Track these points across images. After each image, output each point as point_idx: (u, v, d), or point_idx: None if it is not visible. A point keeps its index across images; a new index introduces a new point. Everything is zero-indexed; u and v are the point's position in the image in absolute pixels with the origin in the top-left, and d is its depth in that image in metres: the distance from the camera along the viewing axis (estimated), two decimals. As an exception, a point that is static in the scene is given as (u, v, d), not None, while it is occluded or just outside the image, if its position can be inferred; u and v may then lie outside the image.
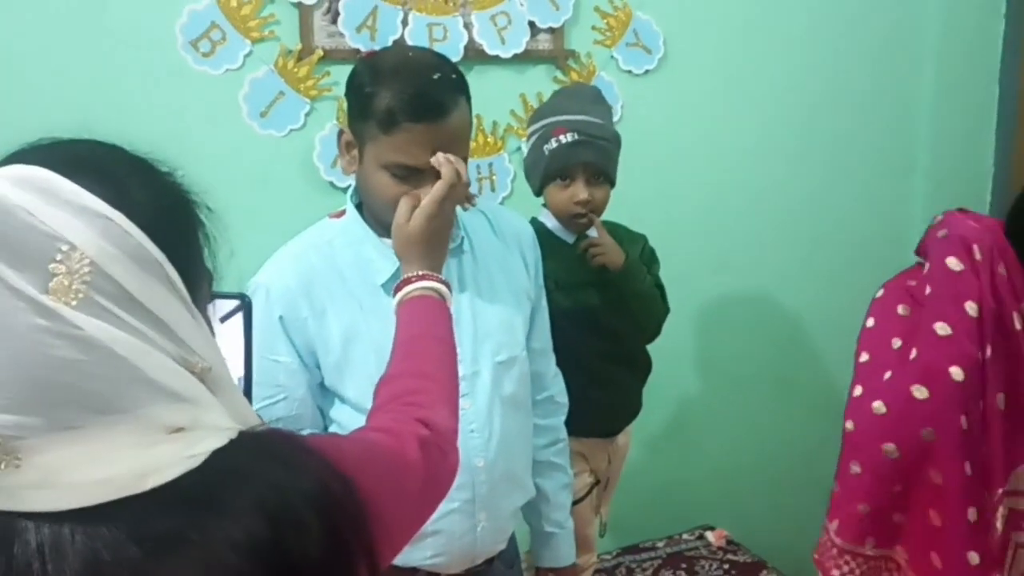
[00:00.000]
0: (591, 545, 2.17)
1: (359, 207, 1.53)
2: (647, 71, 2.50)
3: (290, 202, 2.22)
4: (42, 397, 0.53)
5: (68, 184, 0.58)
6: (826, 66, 2.76)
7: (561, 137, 1.86)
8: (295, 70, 2.15)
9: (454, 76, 1.39)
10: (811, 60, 2.73)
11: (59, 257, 0.54)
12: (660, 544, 2.75)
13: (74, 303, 0.54)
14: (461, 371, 1.31)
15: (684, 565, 2.68)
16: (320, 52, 2.16)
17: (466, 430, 1.44)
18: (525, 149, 2.02)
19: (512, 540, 1.71)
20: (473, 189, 2.34)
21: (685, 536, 2.84)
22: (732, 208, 2.70)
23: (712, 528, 2.86)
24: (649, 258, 2.06)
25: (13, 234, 0.54)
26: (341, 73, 2.19)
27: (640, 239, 2.04)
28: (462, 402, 1.32)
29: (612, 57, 2.46)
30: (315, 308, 1.44)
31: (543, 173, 1.89)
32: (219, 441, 0.59)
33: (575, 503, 2.04)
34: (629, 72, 2.48)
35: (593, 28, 2.43)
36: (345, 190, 2.20)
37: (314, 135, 2.20)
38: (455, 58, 2.25)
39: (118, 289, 0.56)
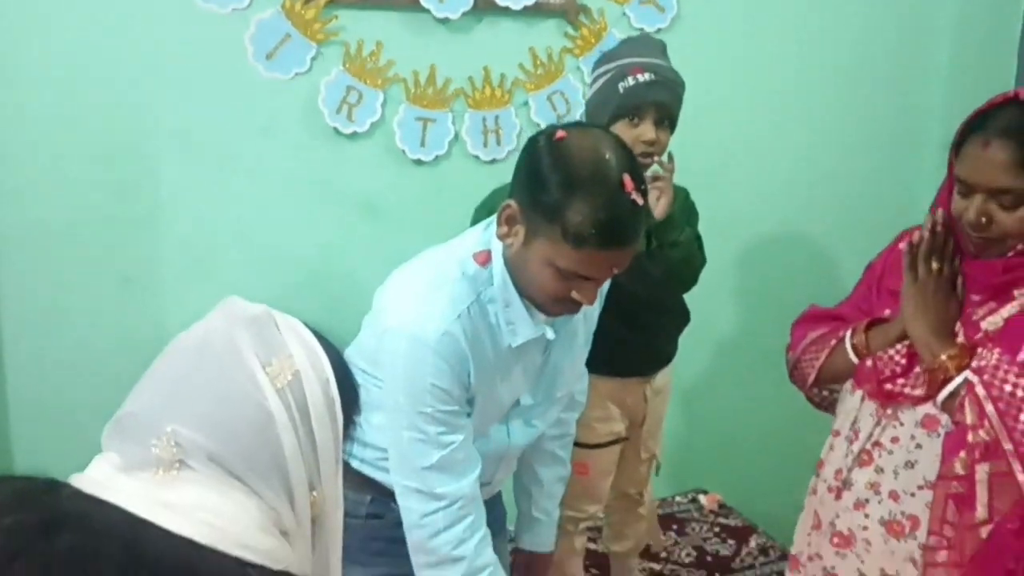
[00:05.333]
0: (602, 497, 2.19)
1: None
2: (659, 29, 2.45)
3: (293, 147, 2.21)
4: (229, 437, 0.65)
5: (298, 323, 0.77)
6: (840, 33, 2.71)
7: (638, 76, 1.87)
8: (302, 12, 2.12)
9: (643, 187, 1.34)
10: (826, 25, 2.69)
11: (280, 356, 0.71)
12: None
13: (278, 386, 0.68)
14: (528, 400, 1.54)
15: (675, 526, 2.70)
16: (328, -4, 2.13)
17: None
18: (589, 89, 2.00)
19: (501, 512, 1.75)
20: (477, 143, 2.32)
21: (678, 499, 2.86)
22: (741, 171, 2.67)
23: (705, 492, 2.88)
24: (690, 210, 2.08)
25: (268, 336, 0.72)
26: (348, 18, 2.17)
27: (681, 192, 2.04)
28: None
29: (624, 14, 2.42)
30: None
31: (614, 111, 1.88)
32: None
33: (595, 447, 2.09)
34: (641, 30, 2.43)
35: (606, -17, 2.38)
36: (350, 136, 2.22)
37: (319, 80, 2.18)
38: (465, 8, 2.22)
39: (301, 398, 0.70)
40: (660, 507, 2.72)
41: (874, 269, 1.64)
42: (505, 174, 2.01)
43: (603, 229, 1.28)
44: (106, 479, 0.63)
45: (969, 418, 1.31)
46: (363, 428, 1.51)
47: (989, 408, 1.29)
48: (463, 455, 1.43)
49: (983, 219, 1.34)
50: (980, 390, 1.31)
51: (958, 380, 1.34)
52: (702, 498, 2.85)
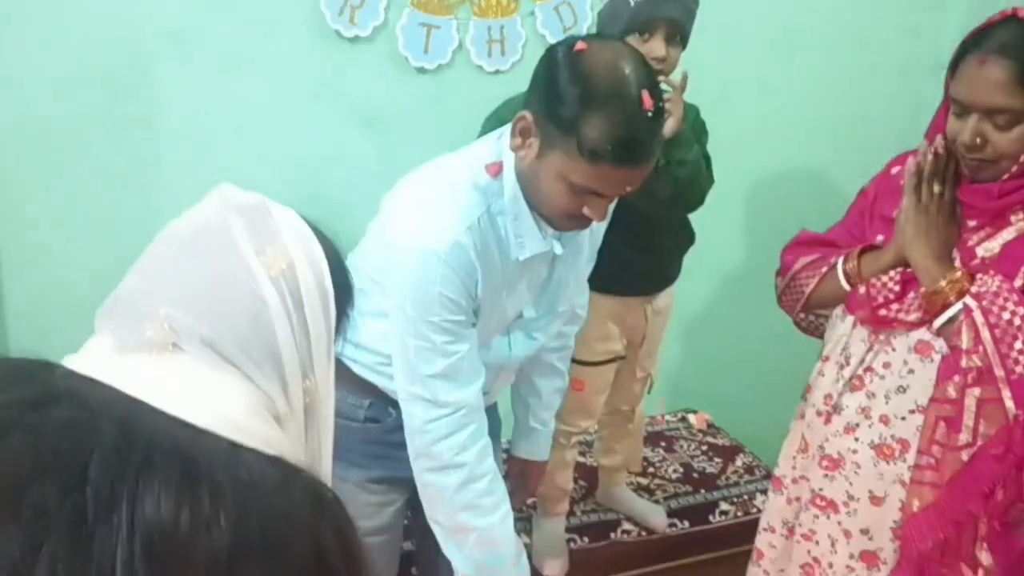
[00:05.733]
0: (595, 413, 2.22)
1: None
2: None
3: (294, 49, 2.17)
4: (223, 322, 0.65)
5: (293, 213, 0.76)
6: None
7: None
8: (305, -91, 2.06)
9: (661, 104, 1.31)
10: None
11: (275, 245, 0.70)
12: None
13: (272, 274, 0.68)
14: (531, 313, 1.55)
15: (664, 443, 2.74)
16: None
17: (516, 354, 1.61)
18: (600, 1, 1.96)
19: (497, 422, 1.77)
20: (481, 52, 2.27)
21: (668, 417, 2.90)
22: (740, 104, 2.63)
23: (695, 412, 2.91)
24: (700, 129, 2.04)
25: (262, 224, 0.71)
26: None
27: (692, 110, 2.00)
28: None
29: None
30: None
31: (624, 25, 1.84)
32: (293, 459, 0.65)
33: (592, 365, 2.11)
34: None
35: None
36: (352, 40, 2.17)
37: (321, -20, 2.12)
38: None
39: (295, 287, 0.69)
40: (650, 424, 2.76)
41: (867, 194, 1.63)
42: (509, 86, 1.99)
43: (619, 146, 1.26)
44: (100, 359, 0.63)
45: (964, 343, 1.32)
46: (364, 333, 1.51)
47: (985, 334, 1.30)
48: (468, 364, 1.44)
49: (977, 140, 1.32)
50: (978, 316, 1.31)
51: (957, 306, 1.34)
52: (691, 417, 2.89)
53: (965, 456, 1.33)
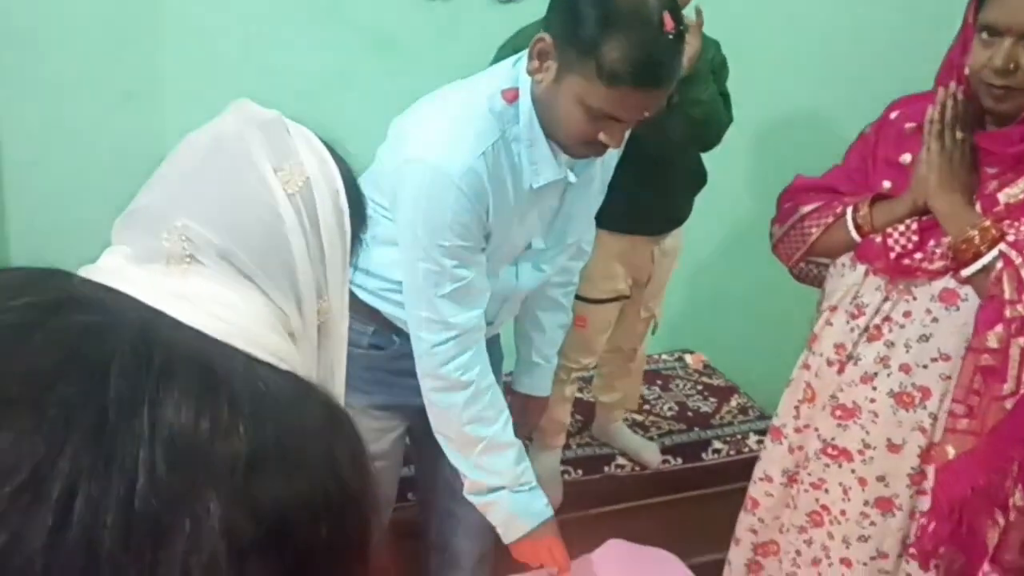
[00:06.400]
0: (597, 350, 2.23)
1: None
2: None
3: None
4: (240, 236, 0.65)
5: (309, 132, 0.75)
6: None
7: None
8: None
9: (683, 27, 1.30)
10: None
11: (291, 162, 0.69)
12: (639, 361, 2.82)
13: (289, 191, 0.67)
14: (539, 244, 1.56)
15: (660, 382, 2.77)
16: None
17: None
18: None
19: (499, 355, 1.78)
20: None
21: (664, 356, 2.92)
22: (753, 45, 2.58)
23: (691, 352, 2.93)
24: (719, 65, 1.99)
25: (279, 140, 0.70)
26: None
27: (712, 45, 1.94)
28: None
29: None
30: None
31: None
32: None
33: (596, 302, 2.10)
34: None
35: None
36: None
37: None
38: None
39: (311, 205, 0.69)
40: (646, 363, 2.76)
41: (867, 139, 1.61)
42: (523, 17, 1.95)
43: (639, 67, 1.25)
44: (116, 269, 0.62)
45: (1008, 293, 1.31)
46: (371, 259, 1.51)
47: None
48: (476, 289, 1.46)
49: (1011, 64, 1.30)
50: (1021, 264, 1.31)
51: (992, 254, 1.34)
52: (688, 357, 2.91)
53: (1009, 405, 1.34)
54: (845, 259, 1.60)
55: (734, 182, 2.78)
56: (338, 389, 0.77)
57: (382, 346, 1.59)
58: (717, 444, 2.50)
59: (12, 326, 0.50)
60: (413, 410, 1.57)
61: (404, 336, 1.52)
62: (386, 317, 1.56)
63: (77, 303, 0.55)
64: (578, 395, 2.44)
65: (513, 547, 1.58)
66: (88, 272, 0.62)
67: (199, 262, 0.63)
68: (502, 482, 1.53)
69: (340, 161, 0.76)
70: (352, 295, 1.53)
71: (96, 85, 2.09)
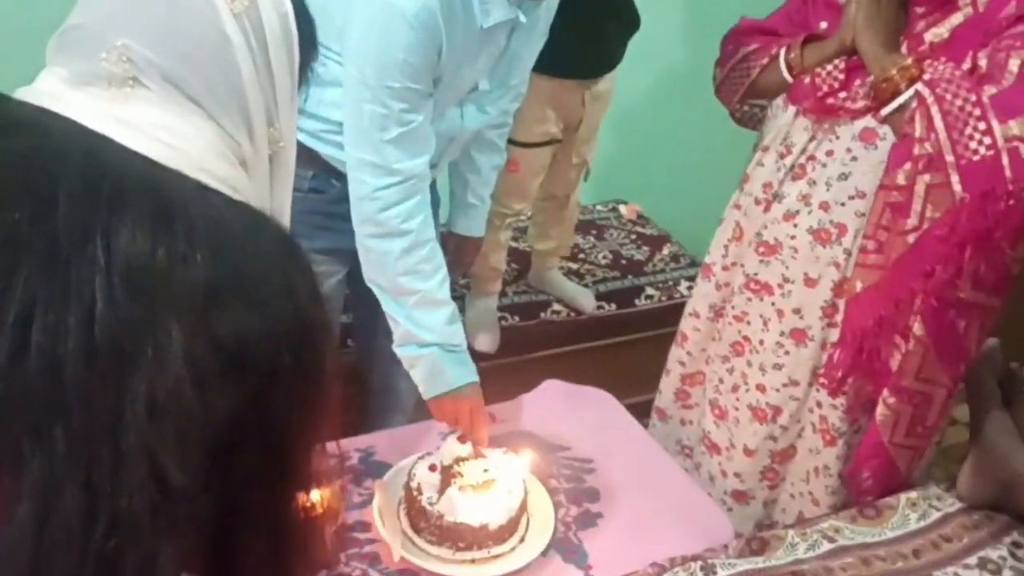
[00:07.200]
0: (529, 195, 2.26)
1: None
2: None
3: None
4: (184, 57, 0.61)
5: None
6: None
7: None
8: None
9: None
10: None
11: None
12: (574, 211, 2.86)
13: (235, 11, 0.63)
14: (485, 86, 1.55)
15: (594, 232, 2.82)
16: None
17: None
18: None
19: (436, 198, 1.77)
20: None
21: (599, 207, 2.96)
22: None
23: (625, 202, 2.98)
24: None
25: None
26: None
27: None
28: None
29: None
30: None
31: None
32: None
33: (528, 146, 2.12)
34: None
35: None
36: None
37: None
38: None
39: (259, 26, 0.65)
40: (581, 213, 2.81)
41: None
42: None
43: None
44: (54, 92, 0.59)
45: (917, 131, 1.34)
46: (312, 100, 1.49)
47: (938, 122, 1.33)
48: (421, 134, 1.44)
49: None
50: (931, 103, 1.33)
51: (908, 93, 1.36)
52: (622, 208, 2.96)
53: (911, 239, 1.39)
54: (779, 101, 1.63)
55: (668, 29, 2.77)
56: (287, 220, 0.75)
57: (322, 190, 1.58)
58: (650, 291, 2.58)
59: None
60: (352, 254, 1.57)
61: (344, 179, 1.50)
62: (325, 160, 1.55)
63: (17, 126, 0.53)
64: (514, 244, 2.48)
65: (432, 403, 1.57)
66: (25, 95, 0.59)
67: (142, 85, 0.60)
68: (434, 339, 1.54)
69: None
70: (290, 137, 1.54)
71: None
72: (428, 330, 1.54)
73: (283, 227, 0.61)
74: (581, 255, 2.68)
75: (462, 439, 1.48)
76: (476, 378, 1.57)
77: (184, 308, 0.47)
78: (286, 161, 0.73)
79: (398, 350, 1.58)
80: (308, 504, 0.62)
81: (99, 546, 0.43)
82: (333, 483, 1.30)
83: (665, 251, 2.76)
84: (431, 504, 1.38)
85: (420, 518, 1.39)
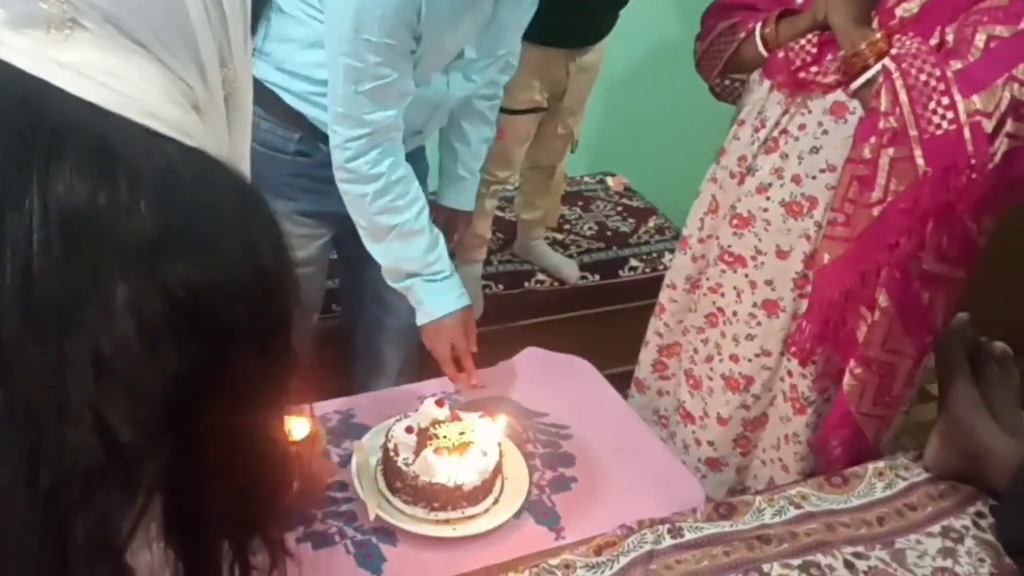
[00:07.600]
0: (514, 164, 2.28)
1: None
2: None
3: None
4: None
5: None
6: None
7: None
8: None
9: None
10: None
11: None
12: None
13: None
14: (471, 54, 1.56)
15: (581, 203, 2.84)
16: None
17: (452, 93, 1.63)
18: None
19: (424, 167, 1.81)
20: None
21: (587, 179, 2.98)
22: None
23: (613, 175, 3.00)
24: None
25: None
26: None
27: None
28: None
29: None
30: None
31: None
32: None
33: (512, 113, 2.14)
34: None
35: None
36: None
37: None
38: None
39: None
40: (569, 184, 2.83)
41: None
42: None
43: None
44: None
45: (883, 105, 1.36)
46: (298, 61, 1.51)
47: (902, 96, 1.35)
48: (396, 90, 1.46)
49: None
50: (896, 78, 1.35)
51: (875, 68, 1.39)
52: (609, 180, 2.98)
53: (876, 212, 1.41)
54: (756, 75, 1.65)
55: (658, 2, 2.77)
56: (246, 166, 0.71)
57: (308, 153, 1.60)
58: (634, 262, 2.61)
59: None
60: (339, 218, 1.60)
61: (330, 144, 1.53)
62: (312, 123, 1.57)
63: None
64: (500, 214, 2.51)
65: (423, 330, 1.64)
66: None
67: (83, 27, 0.55)
68: (413, 268, 1.59)
69: None
70: (277, 99, 1.56)
71: None
72: (407, 260, 1.59)
73: (242, 175, 0.58)
74: (567, 226, 2.70)
75: (439, 402, 1.51)
76: (460, 304, 1.63)
77: (129, 261, 0.45)
78: (242, 103, 0.69)
79: (388, 282, 1.64)
80: (277, 456, 0.59)
81: (45, 508, 0.42)
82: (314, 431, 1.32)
83: (651, 223, 2.78)
84: (407, 465, 1.41)
85: (396, 478, 1.42)
